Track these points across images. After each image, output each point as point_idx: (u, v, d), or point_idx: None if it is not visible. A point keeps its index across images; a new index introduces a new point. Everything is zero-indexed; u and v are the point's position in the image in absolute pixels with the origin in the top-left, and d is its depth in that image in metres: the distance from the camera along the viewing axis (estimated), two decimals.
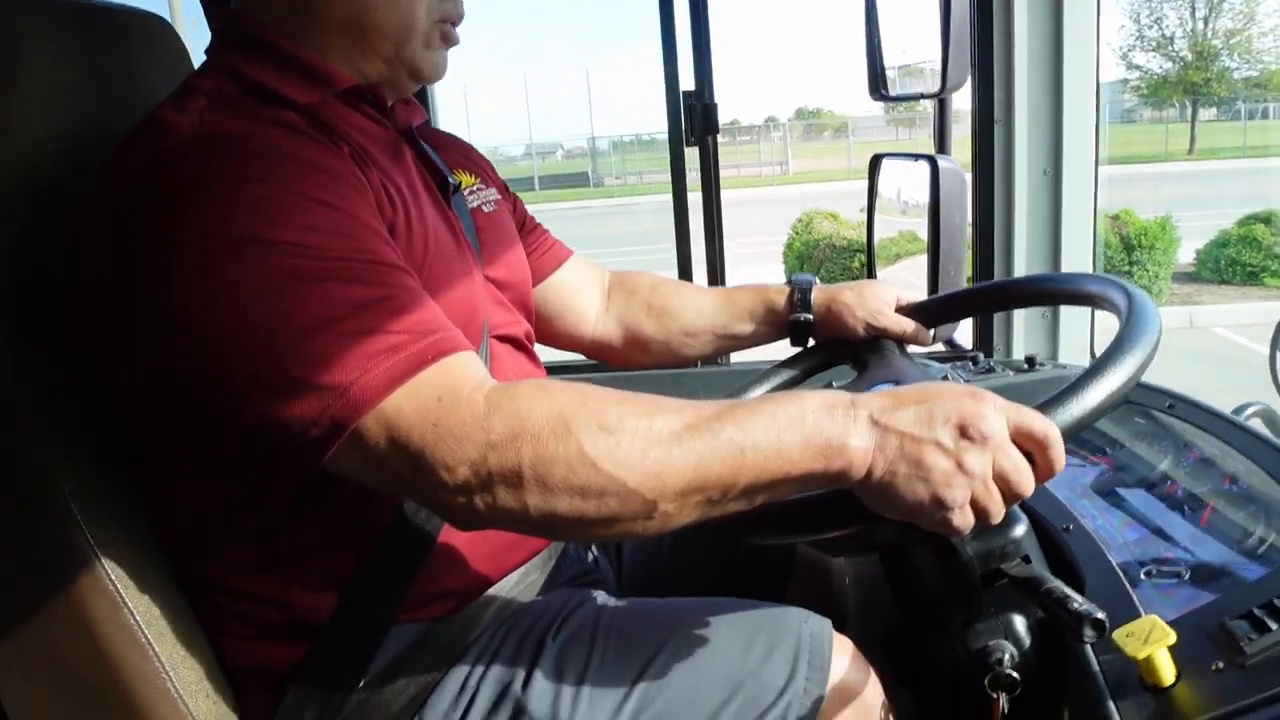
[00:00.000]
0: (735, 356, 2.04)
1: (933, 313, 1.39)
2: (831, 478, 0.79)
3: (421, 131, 1.11)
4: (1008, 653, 0.99)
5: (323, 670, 0.96)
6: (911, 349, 1.39)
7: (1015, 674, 0.98)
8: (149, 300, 0.82)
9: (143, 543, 0.98)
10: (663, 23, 1.98)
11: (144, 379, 0.88)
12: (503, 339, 1.11)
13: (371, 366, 0.77)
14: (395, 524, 0.96)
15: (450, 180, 1.11)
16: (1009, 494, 0.81)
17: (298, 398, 0.77)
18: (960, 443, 0.78)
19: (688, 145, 2.02)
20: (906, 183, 1.94)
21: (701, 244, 2.11)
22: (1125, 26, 29.31)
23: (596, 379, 1.46)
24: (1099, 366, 0.89)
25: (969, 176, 1.79)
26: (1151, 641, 0.86)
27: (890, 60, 1.80)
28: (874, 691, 1.04)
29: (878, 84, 1.81)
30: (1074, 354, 1.83)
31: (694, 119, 2.02)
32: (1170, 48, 29.19)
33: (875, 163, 1.98)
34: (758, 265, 9.75)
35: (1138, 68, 30.24)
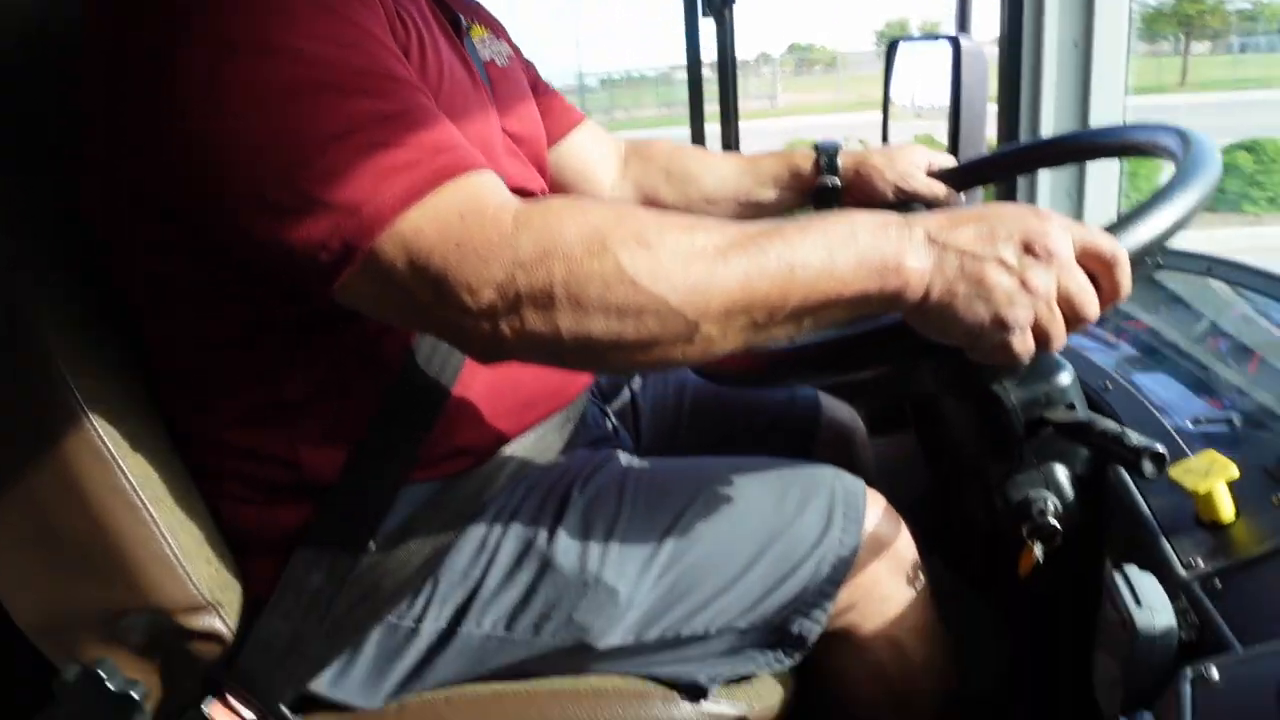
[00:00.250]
0: None
1: (966, 175, 1.32)
2: (887, 299, 0.73)
3: None
4: (1050, 502, 0.95)
5: (331, 532, 0.91)
6: None
7: (1056, 523, 0.94)
8: (145, 114, 0.75)
9: (137, 402, 0.92)
10: None
11: (139, 207, 0.81)
12: (518, 193, 1.05)
13: (386, 183, 0.71)
14: (406, 373, 0.90)
15: (462, 22, 1.03)
16: (1073, 317, 0.75)
17: (305, 218, 0.71)
18: (1024, 259, 0.72)
19: (704, 16, 1.92)
20: (922, 74, 1.86)
21: None
22: None
23: None
24: (1166, 192, 0.83)
25: (990, 54, 1.71)
26: (1213, 475, 0.82)
27: None
28: (908, 546, 1.00)
29: None
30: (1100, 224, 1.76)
31: None
32: None
33: (892, 48, 1.90)
34: None
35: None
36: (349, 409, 0.90)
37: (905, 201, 1.29)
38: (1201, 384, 1.06)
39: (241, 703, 0.92)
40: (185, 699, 0.93)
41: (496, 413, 0.96)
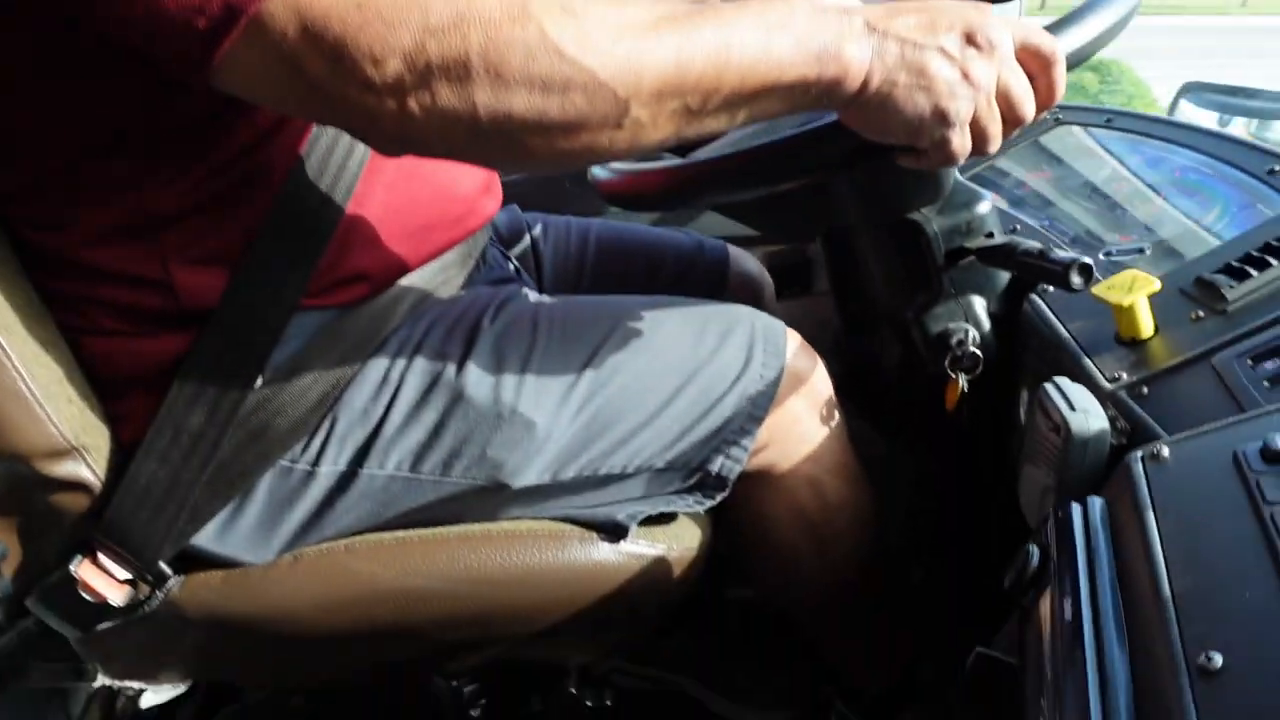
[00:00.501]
0: None
1: None
2: (825, 88, 0.68)
3: None
4: (970, 332, 0.94)
5: (212, 365, 0.81)
6: None
7: (978, 352, 0.93)
8: None
9: None
10: None
11: None
12: None
13: None
14: (294, 185, 0.80)
15: None
16: (1010, 117, 0.73)
17: None
18: (966, 50, 0.69)
19: None
20: None
21: None
22: None
23: None
24: None
25: None
26: (1136, 289, 0.81)
27: None
28: (825, 384, 0.97)
29: None
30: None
31: None
32: None
33: None
34: None
35: None
36: (228, 225, 0.80)
37: None
38: (1111, 222, 1.06)
39: (114, 560, 0.83)
40: (50, 559, 0.84)
41: (394, 235, 0.88)
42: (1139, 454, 0.61)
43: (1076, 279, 0.80)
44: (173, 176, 0.77)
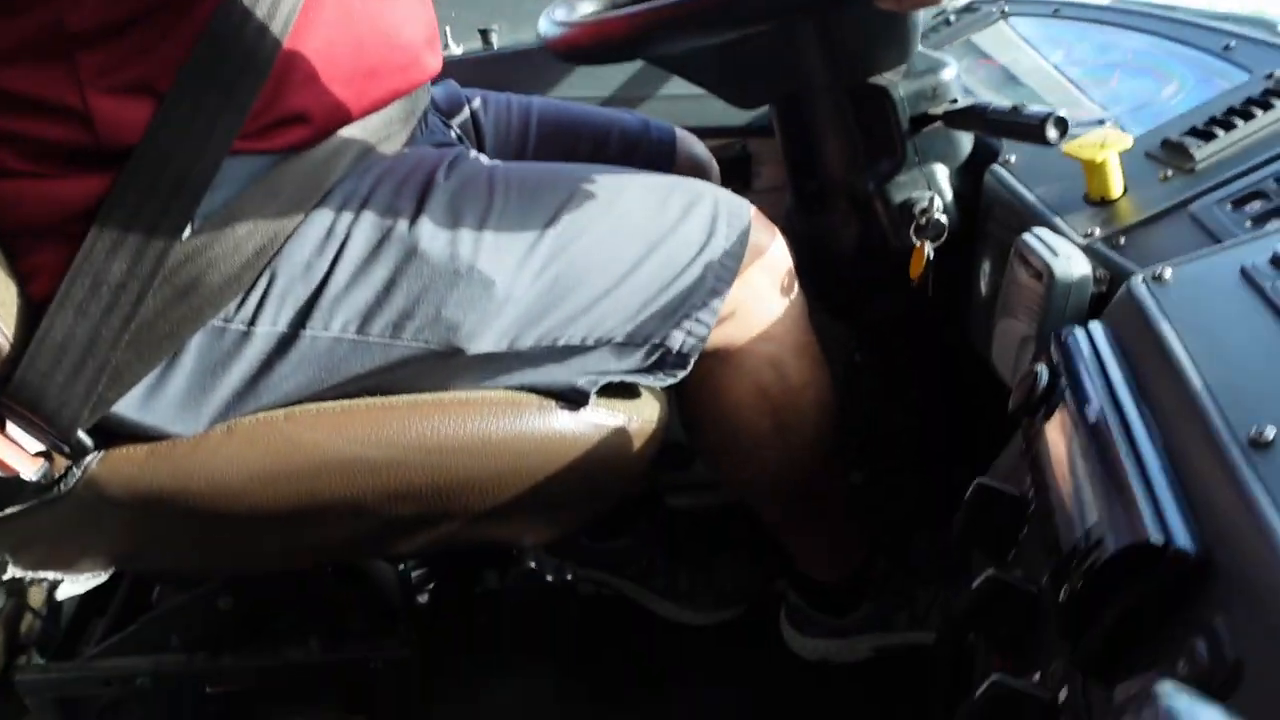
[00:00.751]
0: None
1: None
2: None
3: None
4: (935, 200, 0.93)
5: (135, 209, 0.73)
6: None
7: (943, 219, 0.92)
8: None
9: None
10: None
11: None
12: None
13: None
14: (226, 7, 0.72)
15: None
16: None
17: None
18: None
19: None
20: None
21: None
22: None
23: None
24: None
25: None
26: (1108, 145, 0.80)
27: None
28: (786, 260, 0.95)
29: None
30: None
31: None
32: None
33: None
34: None
35: None
36: (153, 52, 0.72)
37: None
38: (1067, 100, 1.05)
39: (26, 429, 0.75)
40: None
41: (336, 78, 0.81)
42: (1140, 277, 0.60)
43: (1053, 132, 0.78)
44: None
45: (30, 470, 0.76)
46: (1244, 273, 0.55)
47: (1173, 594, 0.39)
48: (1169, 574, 0.39)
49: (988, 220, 0.94)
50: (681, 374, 0.91)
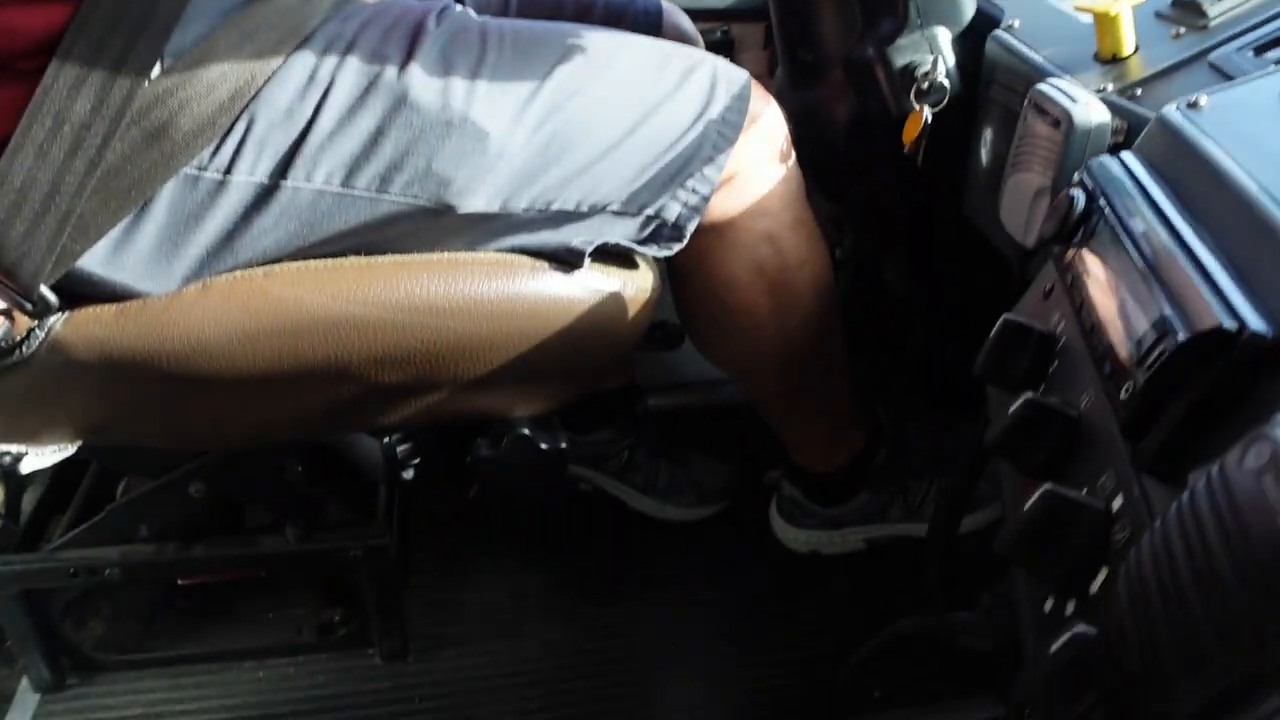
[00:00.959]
0: None
1: None
2: None
3: None
4: (937, 62, 0.90)
5: (98, 43, 0.68)
6: None
7: (946, 83, 0.89)
8: None
9: None
10: None
11: None
12: None
13: None
14: None
15: None
16: None
17: None
18: None
19: None
20: None
21: None
22: None
23: None
24: None
25: None
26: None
27: None
28: (783, 133, 0.92)
29: None
30: None
31: None
32: None
33: None
34: None
35: None
36: None
37: None
38: None
39: None
40: None
41: None
42: (1174, 105, 0.57)
43: None
44: None
45: None
46: None
47: (1244, 381, 0.38)
48: (1241, 360, 0.37)
49: (990, 86, 0.91)
50: (678, 246, 0.88)
